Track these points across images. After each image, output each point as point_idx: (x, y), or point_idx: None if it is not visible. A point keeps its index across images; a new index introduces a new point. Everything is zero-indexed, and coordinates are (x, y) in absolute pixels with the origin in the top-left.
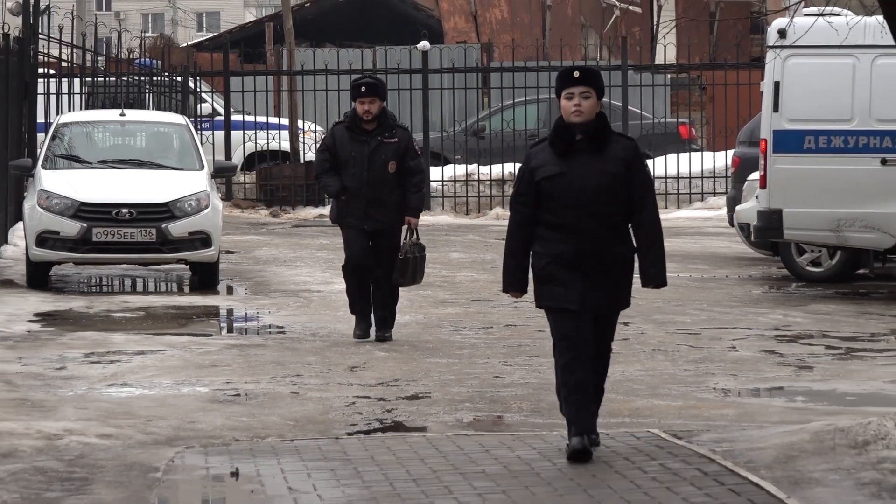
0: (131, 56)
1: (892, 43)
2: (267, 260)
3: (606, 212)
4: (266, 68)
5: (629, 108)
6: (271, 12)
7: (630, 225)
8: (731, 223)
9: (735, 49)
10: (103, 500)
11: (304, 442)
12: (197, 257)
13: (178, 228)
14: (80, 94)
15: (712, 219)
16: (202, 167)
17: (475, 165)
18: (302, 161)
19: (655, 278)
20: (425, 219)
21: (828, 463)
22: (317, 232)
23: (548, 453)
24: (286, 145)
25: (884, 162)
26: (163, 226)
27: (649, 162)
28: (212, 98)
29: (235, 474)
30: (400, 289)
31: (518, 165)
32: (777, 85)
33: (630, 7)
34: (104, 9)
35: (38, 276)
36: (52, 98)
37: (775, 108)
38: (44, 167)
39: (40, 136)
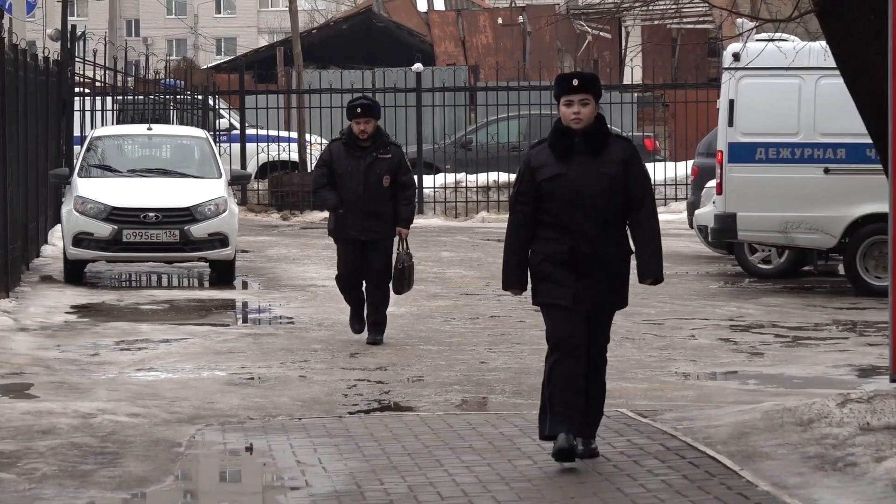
0: (157, 77)
1: (834, 65)
2: (278, 258)
3: (604, 213)
4: (277, 88)
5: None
6: (282, 38)
7: (628, 224)
8: (691, 225)
9: (694, 70)
10: (132, 472)
11: (311, 420)
12: (215, 256)
13: (198, 230)
14: (112, 110)
15: (674, 221)
16: (220, 175)
17: (463, 174)
18: (309, 170)
19: (653, 273)
20: (418, 222)
21: (777, 439)
22: (322, 233)
23: (528, 430)
24: (295, 156)
25: (826, 171)
26: (185, 228)
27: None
28: (229, 114)
29: (249, 449)
30: (400, 294)
31: (501, 174)
32: (732, 102)
33: (601, 33)
34: (133, 34)
35: (75, 273)
36: (87, 114)
37: (730, 122)
38: (79, 175)
39: (76, 148)
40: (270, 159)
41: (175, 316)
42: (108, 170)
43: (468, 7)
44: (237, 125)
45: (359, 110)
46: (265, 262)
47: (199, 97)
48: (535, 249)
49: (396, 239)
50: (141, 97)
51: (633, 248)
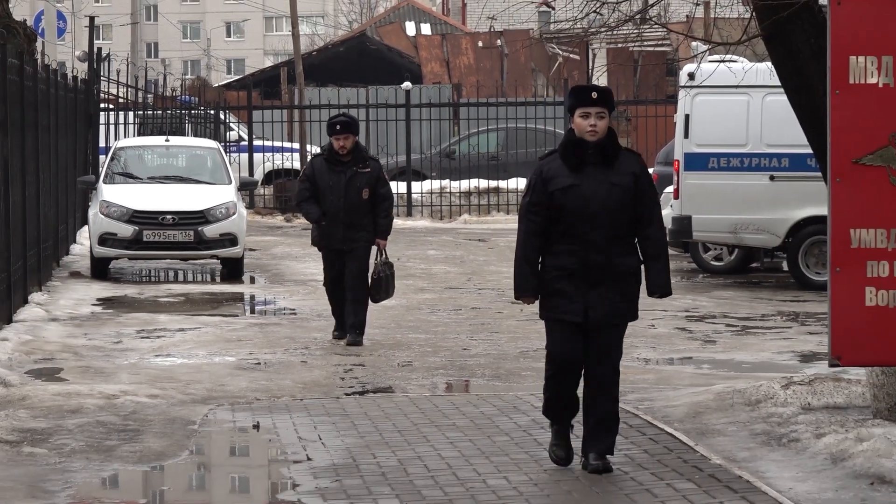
0: (174, 93)
1: (779, 84)
2: (282, 256)
3: (614, 224)
4: (281, 104)
5: None
6: (285, 59)
7: (636, 237)
8: None
9: (654, 88)
10: (151, 448)
11: (311, 401)
12: (226, 254)
13: (211, 231)
14: (133, 123)
15: None
16: (230, 182)
17: (447, 180)
18: None
19: (662, 288)
20: (407, 224)
21: (728, 417)
22: None
23: (505, 410)
24: (297, 165)
25: (772, 178)
26: (199, 229)
27: None
28: (238, 127)
29: (256, 427)
30: (377, 303)
31: (481, 181)
32: (687, 117)
33: (570, 55)
34: (153, 56)
35: (100, 269)
36: (111, 127)
37: (686, 135)
38: (104, 182)
39: (102, 157)
40: (275, 167)
41: (190, 307)
42: (129, 177)
43: (452, 31)
44: (245, 137)
45: (338, 127)
46: (270, 260)
47: (212, 112)
48: (545, 263)
49: (375, 249)
50: (159, 112)
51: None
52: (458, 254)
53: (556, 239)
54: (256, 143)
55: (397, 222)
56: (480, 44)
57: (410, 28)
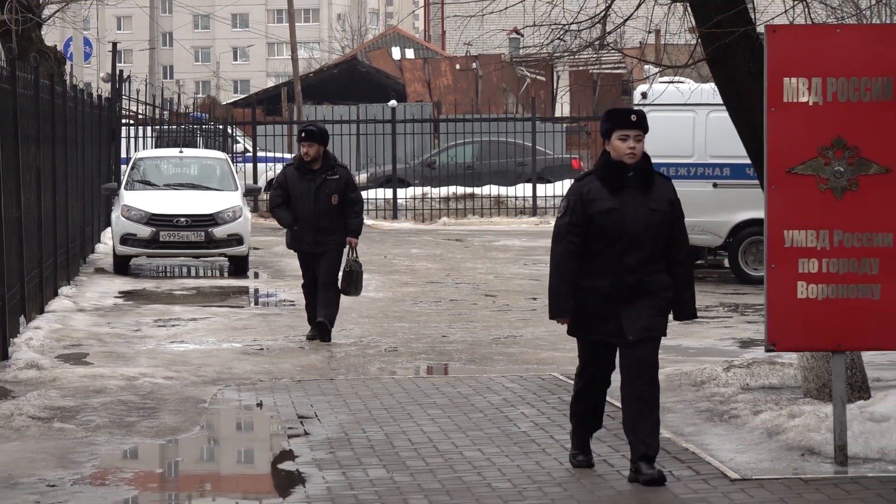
0: (187, 111)
1: (721, 102)
2: (282, 254)
3: (651, 248)
4: (282, 119)
5: (537, 147)
6: (286, 80)
7: (667, 259)
8: None
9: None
10: (167, 423)
11: (309, 382)
12: (233, 252)
13: (220, 232)
14: (151, 137)
15: None
16: (237, 188)
17: (428, 187)
18: None
19: (692, 314)
20: (393, 225)
21: (676, 397)
22: None
23: (479, 390)
24: None
25: (715, 185)
26: (209, 230)
27: (550, 187)
28: (243, 140)
29: (260, 405)
30: (349, 296)
31: (458, 188)
32: None
33: (537, 77)
34: (168, 77)
35: (122, 266)
36: (131, 140)
37: None
38: (126, 189)
39: (123, 167)
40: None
41: (201, 299)
42: (148, 184)
43: (432, 56)
44: (250, 149)
45: (303, 135)
46: (272, 258)
47: (220, 127)
48: (579, 284)
49: (347, 248)
50: (174, 127)
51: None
52: (438, 252)
53: (591, 259)
54: (260, 154)
55: (384, 224)
56: (458, 66)
57: (396, 53)
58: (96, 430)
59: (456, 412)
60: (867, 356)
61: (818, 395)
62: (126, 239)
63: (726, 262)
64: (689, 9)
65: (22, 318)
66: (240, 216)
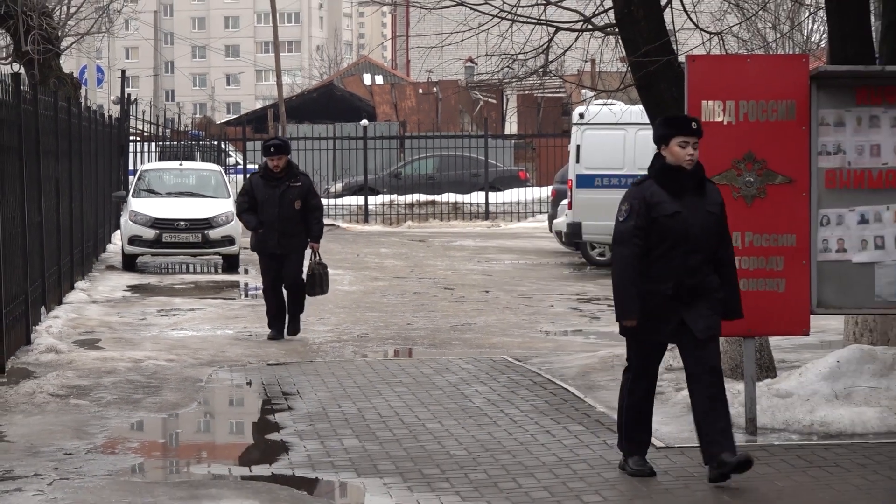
0: (186, 129)
1: (647, 122)
2: None
3: (707, 249)
4: (268, 136)
5: (489, 160)
6: (272, 102)
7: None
8: (551, 230)
9: (553, 125)
10: (169, 400)
11: (292, 364)
12: (226, 251)
13: (214, 234)
14: (155, 152)
15: (539, 227)
16: (229, 196)
17: (395, 195)
18: None
19: (739, 312)
20: (364, 228)
21: (609, 376)
22: None
23: (440, 370)
24: None
25: None
26: (205, 232)
27: (500, 195)
28: (235, 154)
29: (249, 383)
30: (314, 296)
31: (421, 196)
32: (578, 147)
33: (489, 99)
34: (170, 99)
35: (129, 263)
36: (138, 154)
37: (577, 160)
38: (133, 196)
39: (131, 177)
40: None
41: (198, 292)
42: (152, 192)
43: (399, 81)
44: (241, 162)
45: (272, 149)
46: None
47: (215, 143)
48: (646, 287)
49: (308, 252)
50: (175, 143)
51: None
52: (403, 251)
53: (652, 261)
54: (249, 166)
55: (357, 227)
56: (421, 91)
57: (367, 79)
58: (107, 405)
59: (419, 389)
60: (773, 341)
61: (731, 374)
62: (133, 240)
63: None
64: (619, 41)
65: (42, 309)
66: (232, 220)
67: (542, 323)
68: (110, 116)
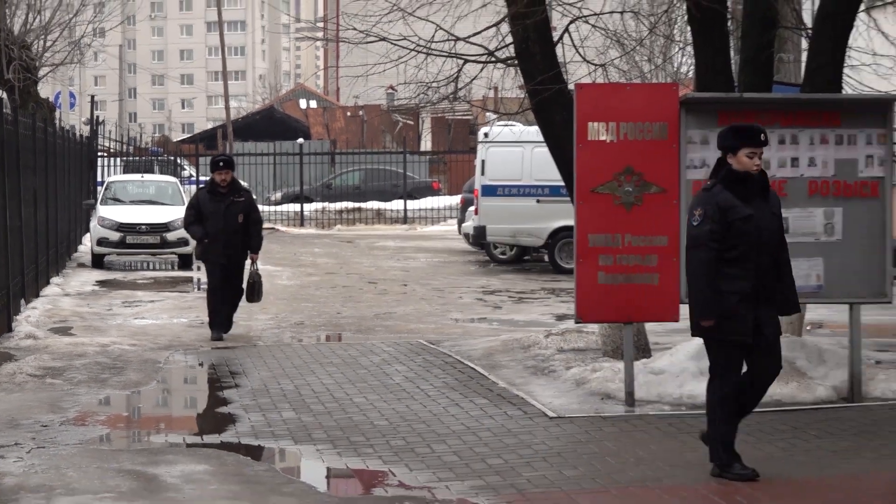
0: (147, 146)
1: (542, 140)
2: None
3: (774, 250)
4: (218, 152)
5: (407, 173)
6: (221, 123)
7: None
8: (459, 233)
9: (462, 143)
10: (132, 379)
11: (238, 348)
12: (181, 251)
13: (171, 236)
14: (120, 165)
15: (450, 230)
16: (184, 203)
17: (327, 202)
18: None
19: (796, 307)
20: (301, 231)
21: (510, 357)
22: None
23: (365, 353)
24: None
25: (538, 201)
26: (163, 234)
27: (417, 202)
28: (189, 168)
29: (201, 364)
30: (252, 303)
31: (348, 203)
32: (483, 161)
33: (407, 121)
34: (133, 121)
35: (98, 262)
36: (105, 168)
37: (482, 173)
38: (101, 204)
39: (99, 187)
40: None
41: (157, 286)
42: (117, 200)
43: (330, 105)
44: (194, 174)
45: (221, 164)
46: None
47: (171, 158)
48: (726, 289)
49: (248, 262)
50: (137, 158)
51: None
52: (334, 251)
53: (729, 264)
54: (201, 178)
55: (293, 230)
56: (349, 114)
57: (303, 103)
58: (78, 384)
59: (347, 369)
60: (649, 326)
61: (613, 354)
62: (101, 241)
63: (546, 258)
64: (518, 72)
65: (22, 301)
66: None
67: (453, 312)
68: (81, 135)
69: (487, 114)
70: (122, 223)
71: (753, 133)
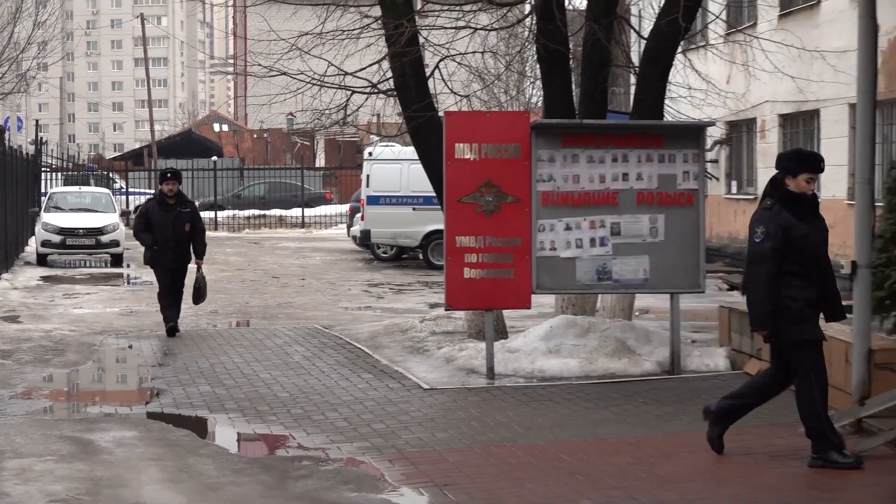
0: (84, 163)
1: (417, 158)
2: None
3: (826, 264)
4: (144, 168)
5: (305, 186)
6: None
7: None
8: (348, 235)
9: (350, 160)
10: (71, 359)
11: (161, 333)
12: (113, 251)
13: (105, 238)
14: (60, 179)
15: (340, 234)
16: (115, 211)
17: (237, 210)
18: None
19: (843, 314)
20: (215, 234)
21: (390, 339)
22: None
23: (269, 335)
24: None
25: (414, 209)
26: (98, 237)
27: (313, 210)
28: (119, 181)
29: (131, 347)
30: (197, 304)
31: (255, 211)
32: (368, 176)
33: (304, 142)
34: (72, 141)
35: (42, 260)
36: (48, 181)
37: (367, 185)
38: (44, 211)
39: (43, 198)
40: (139, 203)
41: (93, 281)
42: (59, 208)
43: (239, 129)
44: (124, 187)
45: (169, 175)
46: (137, 255)
47: (105, 173)
48: (793, 296)
49: (193, 267)
50: (75, 172)
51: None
52: (243, 251)
53: (792, 276)
54: (131, 190)
55: (209, 234)
56: (255, 136)
57: (216, 127)
58: (25, 364)
59: (254, 349)
60: (506, 312)
61: (476, 336)
62: (45, 243)
63: (420, 256)
64: (397, 101)
65: None
66: (118, 228)
67: (343, 301)
68: (28, 154)
69: (371, 136)
70: (62, 227)
71: (815, 161)
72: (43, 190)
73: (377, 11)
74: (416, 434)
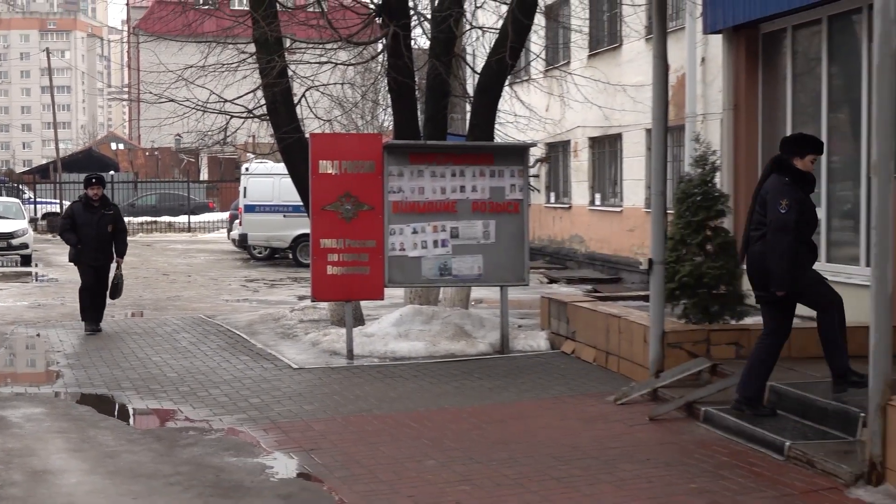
0: None
1: (288, 173)
2: (50, 253)
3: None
4: (51, 180)
5: (190, 195)
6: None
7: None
8: (229, 238)
9: (230, 174)
10: None
11: (66, 323)
12: (23, 253)
13: (15, 241)
14: None
15: (221, 237)
16: (25, 218)
17: (133, 217)
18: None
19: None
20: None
21: (265, 326)
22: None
23: (159, 325)
24: (57, 210)
25: (284, 216)
26: (9, 240)
27: (198, 216)
28: (28, 192)
29: (38, 335)
30: (114, 299)
31: (147, 218)
32: (245, 188)
33: (190, 159)
34: None
35: None
36: None
37: (244, 196)
38: None
39: None
40: (47, 211)
41: (4, 279)
42: None
43: (133, 147)
44: (33, 197)
45: (94, 181)
46: (44, 255)
47: (15, 185)
48: (803, 262)
49: (114, 265)
50: None
51: None
52: (137, 252)
53: (801, 245)
54: (39, 199)
55: None
56: (147, 153)
57: (114, 146)
58: None
59: (147, 337)
60: (363, 303)
61: (339, 323)
62: None
63: (290, 256)
64: (270, 124)
65: None
66: (27, 233)
67: (224, 294)
68: None
69: (248, 154)
70: None
71: (819, 144)
72: None
73: (252, 48)
74: (286, 407)
